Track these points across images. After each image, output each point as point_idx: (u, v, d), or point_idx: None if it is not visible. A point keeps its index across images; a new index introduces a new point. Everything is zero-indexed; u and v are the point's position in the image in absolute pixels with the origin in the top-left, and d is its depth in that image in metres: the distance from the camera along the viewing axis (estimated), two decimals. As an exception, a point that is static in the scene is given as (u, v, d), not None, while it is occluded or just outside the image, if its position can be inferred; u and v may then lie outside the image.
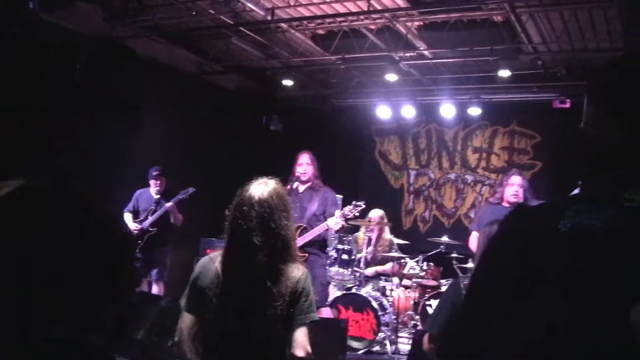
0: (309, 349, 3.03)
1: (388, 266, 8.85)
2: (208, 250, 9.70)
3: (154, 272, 8.46)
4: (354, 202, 6.69)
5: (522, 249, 1.28)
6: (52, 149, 8.13)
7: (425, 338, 3.71)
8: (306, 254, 6.39)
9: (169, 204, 8.34)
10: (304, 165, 6.70)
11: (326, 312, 6.78)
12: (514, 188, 6.48)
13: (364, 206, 6.88)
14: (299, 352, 3.01)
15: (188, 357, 3.12)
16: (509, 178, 6.66)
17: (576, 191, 4.64)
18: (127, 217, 8.60)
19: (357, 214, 6.93)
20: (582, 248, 1.21)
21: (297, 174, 6.63)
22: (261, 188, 3.10)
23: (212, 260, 3.16)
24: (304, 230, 6.47)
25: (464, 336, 1.33)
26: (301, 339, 3.03)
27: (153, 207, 8.52)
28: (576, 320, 1.18)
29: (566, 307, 1.20)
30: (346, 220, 6.73)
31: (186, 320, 3.16)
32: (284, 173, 6.87)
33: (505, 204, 6.50)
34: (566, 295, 1.20)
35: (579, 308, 1.18)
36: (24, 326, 1.18)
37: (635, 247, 1.16)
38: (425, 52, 9.36)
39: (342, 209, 6.72)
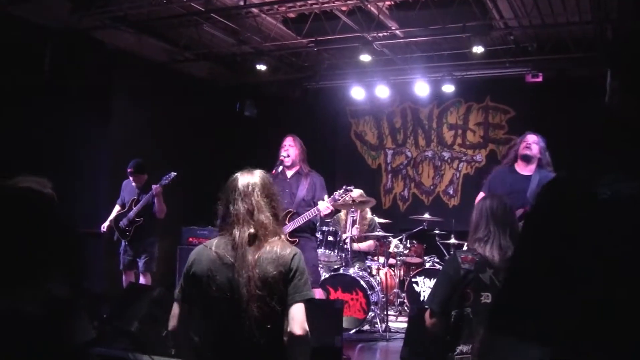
0: (306, 327, 3.03)
1: (367, 244, 8.90)
2: (190, 239, 9.66)
3: (141, 263, 8.34)
4: (344, 187, 6.70)
5: (562, 220, 1.29)
6: (23, 143, 8.04)
7: (427, 314, 3.73)
8: (296, 239, 6.39)
9: (155, 186, 8.17)
10: (287, 146, 6.69)
11: (318, 294, 6.80)
12: (527, 143, 6.28)
13: (353, 190, 6.90)
14: (297, 330, 3.00)
15: (184, 347, 3.13)
16: (524, 136, 6.41)
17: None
18: (115, 210, 8.51)
19: (347, 198, 6.96)
20: (623, 215, 1.22)
21: (281, 157, 6.62)
22: (249, 174, 3.25)
23: (206, 247, 3.19)
24: (294, 216, 6.47)
25: (512, 316, 1.34)
26: (298, 316, 3.03)
27: (135, 197, 8.41)
28: (619, 286, 1.19)
29: (610, 275, 1.21)
30: (335, 204, 6.74)
31: (181, 310, 3.17)
32: (259, 158, 6.85)
33: (518, 163, 6.32)
34: (610, 262, 1.21)
35: (622, 275, 1.19)
36: None
37: None
38: (397, 32, 9.35)
39: (332, 194, 6.72)
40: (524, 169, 6.23)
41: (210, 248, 3.16)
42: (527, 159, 6.23)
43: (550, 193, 1.38)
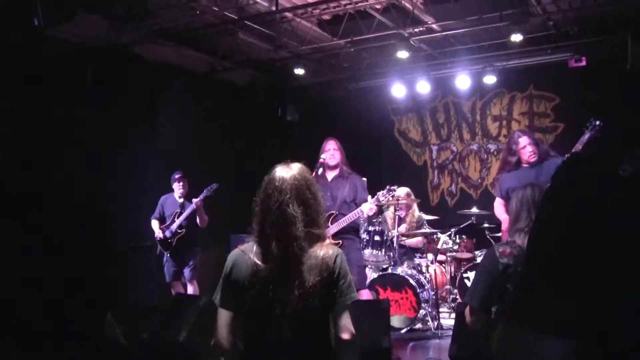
0: (353, 330, 2.99)
1: (415, 240, 8.82)
2: (239, 247, 9.74)
3: (187, 272, 8.53)
4: (387, 187, 6.66)
5: (582, 197, 1.25)
6: (71, 161, 8.18)
7: (467, 311, 3.65)
8: (340, 241, 6.37)
9: (196, 200, 8.37)
10: (332, 150, 6.68)
11: (366, 295, 6.76)
12: (527, 149, 6.29)
13: (397, 190, 6.84)
14: (345, 335, 2.97)
15: (230, 354, 3.09)
16: (517, 143, 6.37)
17: (585, 137, 4.56)
18: (154, 224, 8.65)
19: (391, 198, 6.90)
20: None
21: (323, 159, 6.59)
22: (286, 169, 3.11)
23: (243, 253, 3.08)
24: (338, 216, 6.45)
25: (533, 306, 1.29)
26: (345, 321, 2.98)
27: (178, 210, 8.55)
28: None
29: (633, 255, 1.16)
30: (379, 205, 6.70)
31: (223, 316, 3.10)
32: (304, 160, 6.84)
33: (525, 165, 6.34)
34: (632, 241, 1.17)
35: None
36: None
37: None
38: (434, 26, 9.25)
39: (376, 194, 6.66)
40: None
41: (248, 256, 3.05)
42: (534, 164, 6.27)
43: (568, 172, 1.34)
